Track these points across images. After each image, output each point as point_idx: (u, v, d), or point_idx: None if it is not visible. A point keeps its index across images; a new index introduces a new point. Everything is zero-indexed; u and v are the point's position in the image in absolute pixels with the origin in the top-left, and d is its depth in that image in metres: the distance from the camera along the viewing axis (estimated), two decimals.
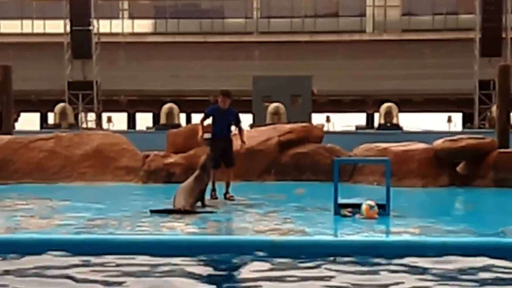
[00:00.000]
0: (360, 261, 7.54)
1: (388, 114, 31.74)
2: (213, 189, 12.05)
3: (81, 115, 35.33)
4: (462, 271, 7.11)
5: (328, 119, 34.80)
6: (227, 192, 12.03)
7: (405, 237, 8.52)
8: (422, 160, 14.92)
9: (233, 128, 12.44)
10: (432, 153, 14.98)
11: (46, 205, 11.40)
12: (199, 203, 10.94)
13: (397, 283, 6.64)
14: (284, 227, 9.14)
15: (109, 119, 36.56)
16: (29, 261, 7.50)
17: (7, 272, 7.05)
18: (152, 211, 10.23)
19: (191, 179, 11.11)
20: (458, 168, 15.27)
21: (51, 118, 36.42)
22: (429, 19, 38.07)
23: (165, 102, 34.11)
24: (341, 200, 10.39)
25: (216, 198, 11.97)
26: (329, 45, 37.32)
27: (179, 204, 10.38)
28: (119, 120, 37.98)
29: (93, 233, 8.74)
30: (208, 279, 6.84)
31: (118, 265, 7.36)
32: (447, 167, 15.03)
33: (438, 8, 38.05)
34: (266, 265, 7.35)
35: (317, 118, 33.70)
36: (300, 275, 6.91)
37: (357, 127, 33.20)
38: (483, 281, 6.74)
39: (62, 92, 34.77)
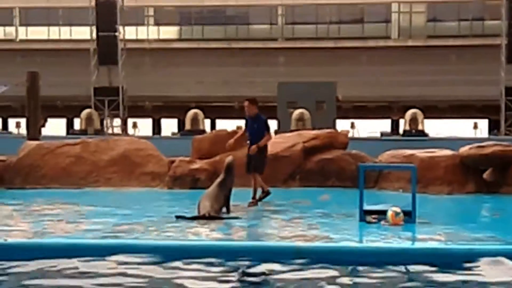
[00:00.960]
0: (385, 268, 7.52)
1: (413, 120, 31.59)
2: (253, 196, 12.16)
3: (107, 120, 35.57)
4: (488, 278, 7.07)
5: (352, 125, 34.70)
6: (253, 197, 12.14)
7: (431, 244, 8.48)
8: (448, 167, 14.82)
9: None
10: (458, 160, 14.89)
11: (73, 210, 11.50)
12: (224, 209, 10.98)
13: None
14: (309, 233, 9.14)
15: (135, 125, 36.75)
16: (55, 266, 7.56)
17: (31, 276, 7.12)
18: (177, 217, 10.28)
19: (215, 184, 11.14)
20: (485, 175, 15.16)
21: (77, 123, 36.70)
22: (455, 25, 37.89)
23: (190, 108, 34.25)
24: (366, 207, 10.36)
25: (254, 204, 12.03)
26: (354, 51, 37.27)
27: (204, 210, 10.41)
28: (144, 126, 38.16)
29: (119, 238, 8.80)
30: (232, 284, 6.87)
31: (143, 270, 7.41)
32: (473, 174, 14.92)
33: (463, 14, 37.86)
34: (291, 271, 7.36)
35: (342, 124, 33.64)
36: (325, 282, 6.91)
37: (382, 134, 33.06)
38: None
39: (88, 98, 35.04)
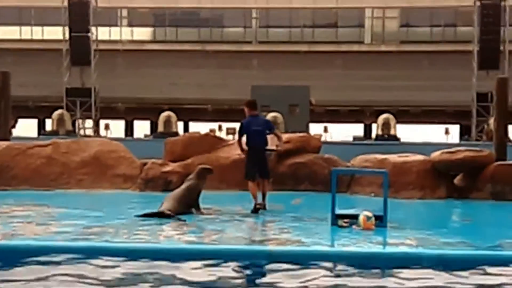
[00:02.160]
0: (355, 272, 7.54)
1: (386, 125, 31.81)
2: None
3: (79, 122, 35.32)
4: (459, 283, 7.12)
5: (325, 129, 34.83)
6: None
7: (402, 249, 8.52)
8: (419, 172, 14.92)
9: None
10: (429, 165, 14.99)
11: (43, 212, 11.39)
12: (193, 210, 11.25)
13: None
14: (281, 237, 9.14)
15: (107, 126, 36.52)
16: (25, 267, 7.49)
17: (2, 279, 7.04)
18: (137, 216, 10.54)
19: (184, 186, 11.46)
20: (456, 180, 15.28)
21: (48, 124, 36.40)
22: (427, 31, 38.20)
23: (163, 110, 34.14)
24: (338, 211, 10.39)
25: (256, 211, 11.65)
26: (328, 56, 37.41)
27: (164, 207, 10.78)
28: (117, 128, 37.96)
29: (90, 240, 8.73)
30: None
31: (113, 272, 7.36)
32: (444, 179, 15.03)
33: (436, 20, 38.18)
34: (262, 275, 7.35)
35: (315, 128, 33.73)
36: (296, 286, 6.91)
37: (355, 138, 33.22)
38: None
39: (60, 99, 34.76)
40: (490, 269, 7.55)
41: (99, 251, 8.15)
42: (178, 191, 11.45)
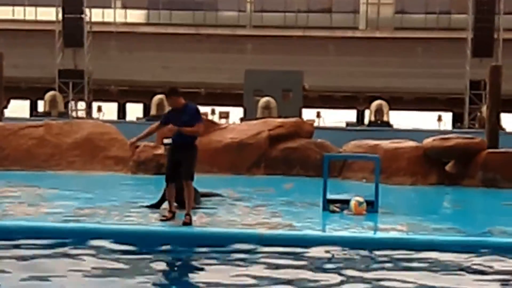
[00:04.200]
0: (346, 256, 7.58)
1: (379, 111, 31.79)
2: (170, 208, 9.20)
3: (71, 103, 35.18)
4: (446, 268, 7.17)
5: (318, 115, 34.81)
6: (186, 213, 8.82)
7: (393, 234, 8.56)
8: (411, 158, 14.95)
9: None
10: (421, 152, 15.02)
11: (35, 193, 11.37)
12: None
13: (383, 279, 6.67)
14: (272, 221, 9.16)
15: (99, 109, 36.39)
16: (15, 248, 7.50)
17: None
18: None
19: None
20: (447, 167, 15.32)
21: (41, 106, 36.25)
22: (422, 17, 38.11)
23: (156, 93, 34.01)
24: (330, 196, 10.42)
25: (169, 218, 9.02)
26: (322, 41, 37.30)
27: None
28: (110, 110, 37.86)
29: (81, 222, 8.74)
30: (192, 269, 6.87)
31: (105, 254, 7.37)
32: (436, 165, 15.07)
33: (431, 7, 38.09)
34: (253, 259, 7.38)
35: (308, 114, 33.71)
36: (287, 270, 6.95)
37: (347, 124, 33.23)
38: (466, 279, 6.80)
39: (52, 80, 34.59)
40: (479, 255, 7.61)
41: (91, 233, 8.16)
42: None
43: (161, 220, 8.86)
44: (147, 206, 10.08)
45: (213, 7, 39.27)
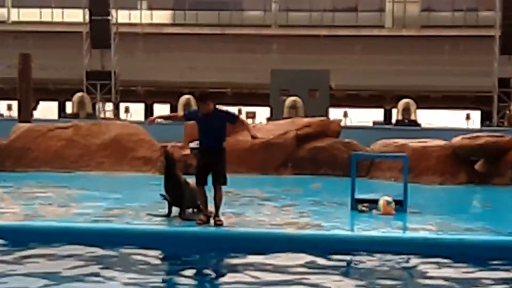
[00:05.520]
0: (376, 256, 7.54)
1: (406, 110, 31.61)
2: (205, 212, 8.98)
3: (99, 105, 35.41)
4: (478, 268, 7.10)
5: (345, 114, 34.67)
6: (216, 215, 8.82)
7: (422, 234, 8.49)
8: (440, 157, 14.83)
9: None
10: (450, 150, 14.90)
11: (64, 194, 11.46)
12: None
13: (411, 279, 6.63)
14: (300, 221, 9.14)
15: (127, 110, 36.61)
16: (46, 248, 7.55)
17: (23, 259, 7.10)
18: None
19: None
20: (476, 166, 15.18)
21: (69, 107, 36.54)
22: (449, 15, 37.82)
23: (183, 94, 34.12)
24: (358, 195, 10.37)
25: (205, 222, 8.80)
26: (348, 40, 37.16)
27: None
28: (137, 111, 38.07)
29: (110, 222, 8.79)
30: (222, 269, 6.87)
31: (132, 254, 7.40)
32: (465, 164, 14.94)
33: (458, 4, 37.79)
34: (282, 259, 7.37)
35: (335, 113, 33.61)
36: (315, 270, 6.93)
37: (375, 123, 33.07)
38: (500, 280, 6.73)
39: (80, 82, 34.86)
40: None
41: (120, 233, 8.21)
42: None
43: (198, 224, 8.71)
44: (159, 215, 9.43)
45: (239, 7, 39.32)
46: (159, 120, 9.84)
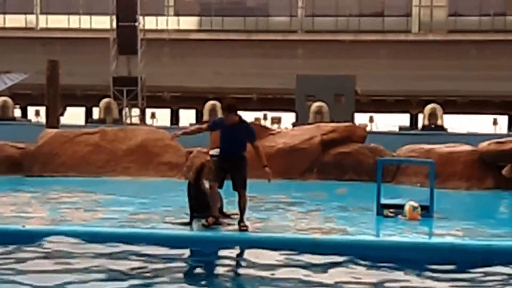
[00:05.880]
0: (400, 261, 7.50)
1: (433, 115, 31.40)
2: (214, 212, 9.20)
3: (126, 110, 35.62)
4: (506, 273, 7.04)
5: (371, 119, 34.55)
6: (241, 220, 8.96)
7: (449, 239, 8.43)
8: (467, 162, 14.72)
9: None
10: (477, 156, 14.78)
11: (91, 199, 11.55)
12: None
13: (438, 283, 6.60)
14: (325, 226, 9.13)
15: (153, 115, 36.81)
16: (72, 252, 7.62)
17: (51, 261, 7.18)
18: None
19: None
20: (504, 171, 15.03)
21: (96, 113, 36.83)
22: (476, 19, 37.56)
23: (208, 99, 34.24)
24: (383, 201, 10.33)
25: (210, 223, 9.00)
26: (374, 45, 37.06)
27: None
28: (163, 116, 38.27)
29: (136, 227, 8.84)
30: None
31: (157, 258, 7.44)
32: (492, 170, 14.80)
33: (485, 8, 37.52)
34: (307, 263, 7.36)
35: (360, 118, 33.51)
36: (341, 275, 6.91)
37: (401, 128, 32.92)
38: None
39: (107, 88, 35.10)
40: None
41: (145, 237, 8.26)
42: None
43: (204, 226, 8.89)
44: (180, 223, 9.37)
45: (265, 12, 39.39)
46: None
